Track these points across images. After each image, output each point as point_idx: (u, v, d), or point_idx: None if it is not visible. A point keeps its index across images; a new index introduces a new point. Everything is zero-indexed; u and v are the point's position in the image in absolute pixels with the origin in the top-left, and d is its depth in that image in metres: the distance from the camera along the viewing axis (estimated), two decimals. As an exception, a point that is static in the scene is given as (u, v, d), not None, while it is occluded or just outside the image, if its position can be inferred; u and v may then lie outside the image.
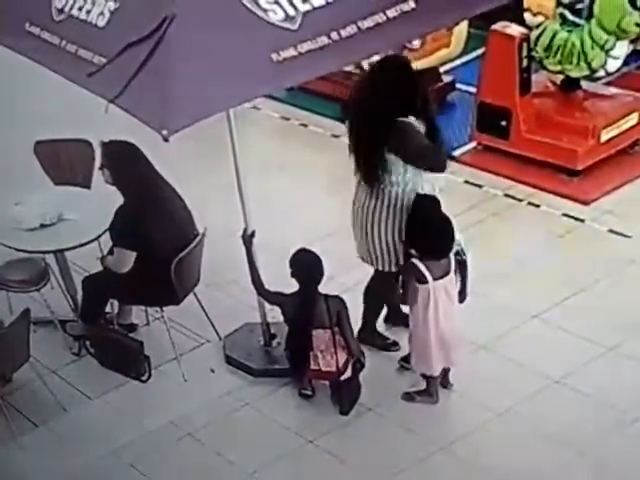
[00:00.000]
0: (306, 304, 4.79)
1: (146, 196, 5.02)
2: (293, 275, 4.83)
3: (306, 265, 4.81)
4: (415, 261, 4.57)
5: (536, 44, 6.38)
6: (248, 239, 4.94)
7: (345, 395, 4.88)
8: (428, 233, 4.58)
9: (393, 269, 4.86)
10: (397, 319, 5.26)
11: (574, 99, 6.58)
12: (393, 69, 4.61)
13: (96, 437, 4.90)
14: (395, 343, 5.17)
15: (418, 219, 4.64)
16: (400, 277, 4.75)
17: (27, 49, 4.53)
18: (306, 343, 4.81)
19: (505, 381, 4.95)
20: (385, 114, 4.61)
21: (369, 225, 4.82)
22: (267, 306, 5.13)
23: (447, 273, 4.62)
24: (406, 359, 4.96)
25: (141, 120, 3.85)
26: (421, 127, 4.70)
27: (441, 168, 4.72)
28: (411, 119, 4.66)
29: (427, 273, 4.55)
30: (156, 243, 4.96)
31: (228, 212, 5.20)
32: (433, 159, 4.69)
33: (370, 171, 4.72)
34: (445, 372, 4.89)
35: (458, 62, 7.48)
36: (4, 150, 6.89)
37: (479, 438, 4.68)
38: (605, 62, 6.23)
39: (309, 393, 4.98)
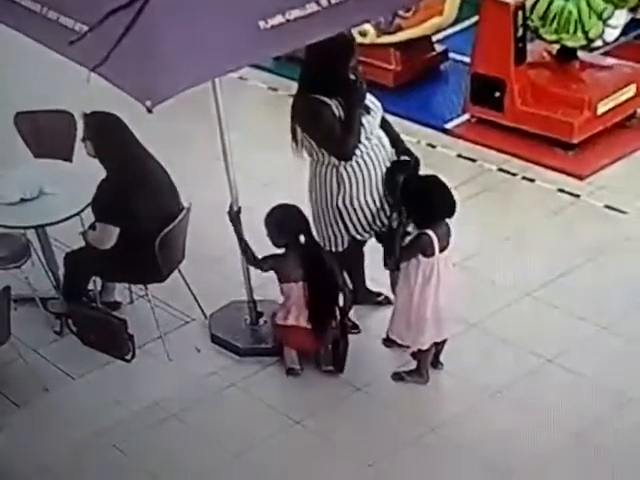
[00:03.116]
0: (313, 258, 4.65)
1: (129, 169, 4.90)
2: (280, 236, 4.68)
3: (287, 219, 4.67)
4: (429, 232, 4.43)
5: (532, 12, 6.24)
6: (235, 216, 4.81)
7: (342, 352, 4.79)
8: (431, 193, 4.46)
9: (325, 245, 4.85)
10: (364, 298, 5.14)
11: (570, 70, 6.46)
12: (317, 47, 4.24)
13: (79, 417, 4.82)
14: (355, 326, 5.06)
15: (414, 190, 4.53)
16: (393, 251, 4.61)
17: (6, 16, 4.38)
18: (330, 299, 4.70)
19: (497, 361, 4.87)
20: (301, 89, 4.62)
21: (309, 195, 4.81)
22: (254, 283, 5.03)
23: (448, 244, 4.51)
24: (387, 338, 4.86)
25: (124, 90, 3.72)
26: (339, 109, 4.57)
27: (343, 158, 4.63)
28: (329, 100, 4.56)
29: (437, 244, 4.43)
30: (140, 218, 4.85)
31: (214, 186, 5.09)
32: (334, 149, 4.61)
33: (293, 141, 4.72)
34: (436, 352, 4.80)
35: (451, 31, 7.34)
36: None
37: (470, 419, 4.61)
38: (603, 31, 6.11)
39: (296, 367, 4.86)
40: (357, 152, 4.65)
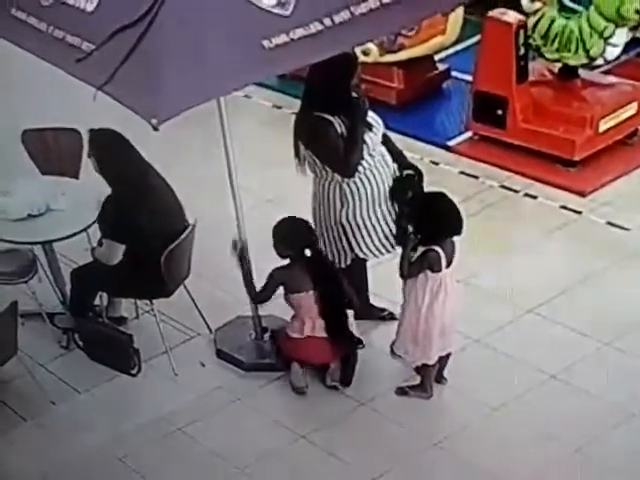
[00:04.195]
0: (318, 267, 4.67)
1: (132, 186, 4.93)
2: (285, 249, 4.70)
3: (294, 233, 4.71)
4: (437, 248, 4.48)
5: (533, 31, 6.30)
6: (244, 251, 4.82)
7: (352, 366, 4.80)
8: (439, 211, 4.52)
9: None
10: (368, 313, 5.16)
11: (572, 88, 6.50)
12: (320, 65, 4.27)
13: (85, 431, 4.83)
14: (359, 341, 5.05)
15: (422, 207, 4.59)
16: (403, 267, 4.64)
17: (13, 35, 4.44)
18: (340, 306, 4.72)
19: (500, 376, 4.88)
20: (304, 107, 4.67)
21: (313, 212, 4.85)
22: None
23: (452, 260, 4.56)
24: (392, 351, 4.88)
25: (130, 108, 3.77)
26: (342, 127, 4.63)
27: (346, 175, 4.68)
28: (332, 117, 4.61)
29: (444, 259, 4.48)
30: (144, 234, 4.88)
31: (219, 202, 5.12)
32: (337, 166, 4.66)
33: (296, 158, 4.76)
34: (440, 367, 4.82)
35: (453, 49, 7.39)
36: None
37: (473, 433, 4.62)
38: (604, 50, 6.16)
39: (303, 386, 4.86)
40: (360, 169, 4.69)
